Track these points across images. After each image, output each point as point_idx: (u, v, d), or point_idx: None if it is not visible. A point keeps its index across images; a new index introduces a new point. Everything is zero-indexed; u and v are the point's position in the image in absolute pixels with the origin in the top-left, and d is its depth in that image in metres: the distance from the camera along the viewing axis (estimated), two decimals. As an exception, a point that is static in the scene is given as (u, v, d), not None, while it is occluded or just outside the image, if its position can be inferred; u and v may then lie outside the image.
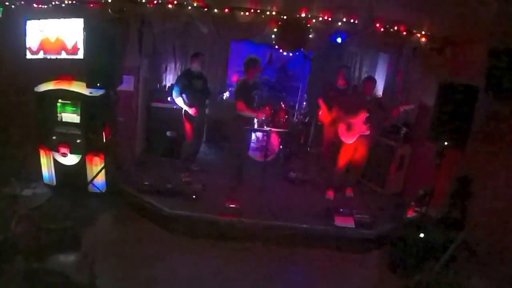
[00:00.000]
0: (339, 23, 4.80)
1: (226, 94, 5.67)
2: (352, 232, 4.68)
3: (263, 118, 5.58)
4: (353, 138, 5.15)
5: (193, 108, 5.38)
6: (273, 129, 5.29)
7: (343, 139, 5.22)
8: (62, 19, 5.11)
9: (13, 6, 5.55)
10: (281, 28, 4.79)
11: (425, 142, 4.38)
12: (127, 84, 5.20)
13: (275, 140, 6.20)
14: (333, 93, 5.63)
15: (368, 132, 5.12)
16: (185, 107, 5.39)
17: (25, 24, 5.21)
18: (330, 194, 5.46)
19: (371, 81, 5.31)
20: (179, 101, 5.36)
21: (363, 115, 5.06)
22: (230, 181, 5.41)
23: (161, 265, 4.08)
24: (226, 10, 4.73)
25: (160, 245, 4.47)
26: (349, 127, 5.14)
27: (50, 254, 3.19)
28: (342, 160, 5.29)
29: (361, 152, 5.27)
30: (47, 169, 5.20)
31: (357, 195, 5.58)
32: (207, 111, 5.92)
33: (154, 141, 6.11)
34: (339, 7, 4.58)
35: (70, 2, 5.03)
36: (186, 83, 5.38)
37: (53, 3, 5.17)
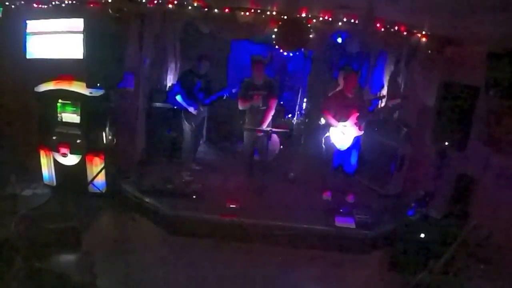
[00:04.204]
0: (340, 23, 4.80)
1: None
2: (353, 232, 4.67)
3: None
4: (348, 143, 4.99)
5: (192, 107, 5.45)
6: (273, 129, 5.28)
7: (338, 146, 5.02)
8: (62, 19, 5.11)
9: (13, 6, 5.55)
10: (281, 28, 4.79)
11: (426, 142, 4.38)
12: (127, 84, 5.20)
13: (275, 140, 6.19)
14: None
15: (361, 133, 5.04)
16: (185, 105, 5.46)
17: (25, 24, 5.21)
18: (327, 195, 5.44)
19: (353, 75, 5.01)
20: (179, 99, 5.43)
21: (354, 115, 4.89)
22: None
23: (161, 265, 4.08)
24: (227, 10, 4.73)
25: (160, 245, 4.48)
26: (342, 133, 4.96)
27: (50, 254, 3.19)
28: (335, 161, 5.22)
29: (354, 150, 5.16)
30: (47, 169, 5.20)
31: (357, 195, 5.57)
32: (203, 110, 5.84)
33: (154, 141, 6.10)
34: (339, 7, 4.57)
35: (70, 2, 5.03)
36: (187, 82, 5.44)
37: (53, 3, 5.17)
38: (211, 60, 5.64)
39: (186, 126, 5.65)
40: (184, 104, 5.48)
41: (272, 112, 5.41)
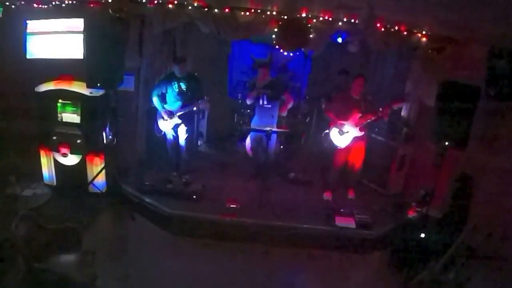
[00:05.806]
0: (340, 23, 4.79)
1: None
2: (353, 233, 4.67)
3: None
4: (347, 142, 5.03)
5: (164, 111, 5.31)
6: (273, 129, 5.28)
7: (336, 144, 5.09)
8: (62, 19, 5.11)
9: (13, 6, 5.55)
10: (281, 28, 4.79)
11: (426, 142, 4.38)
12: (128, 84, 5.19)
13: (274, 140, 6.19)
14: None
15: (362, 133, 5.04)
16: (159, 109, 5.35)
17: (25, 24, 5.21)
18: (328, 195, 5.44)
19: (360, 79, 5.03)
20: (155, 102, 5.34)
21: (355, 116, 4.94)
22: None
23: (161, 265, 4.08)
24: (227, 10, 4.72)
25: (160, 245, 4.48)
26: (341, 131, 5.02)
27: (50, 254, 3.19)
28: (337, 161, 5.24)
29: (358, 152, 5.20)
30: (47, 169, 5.20)
31: (358, 195, 5.57)
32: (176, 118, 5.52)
33: (154, 141, 6.09)
34: (340, 7, 4.57)
35: (70, 2, 5.02)
36: (165, 85, 5.30)
37: (53, 3, 5.16)
38: (209, 60, 5.59)
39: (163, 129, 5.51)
40: (159, 107, 5.33)
41: (290, 104, 5.76)
